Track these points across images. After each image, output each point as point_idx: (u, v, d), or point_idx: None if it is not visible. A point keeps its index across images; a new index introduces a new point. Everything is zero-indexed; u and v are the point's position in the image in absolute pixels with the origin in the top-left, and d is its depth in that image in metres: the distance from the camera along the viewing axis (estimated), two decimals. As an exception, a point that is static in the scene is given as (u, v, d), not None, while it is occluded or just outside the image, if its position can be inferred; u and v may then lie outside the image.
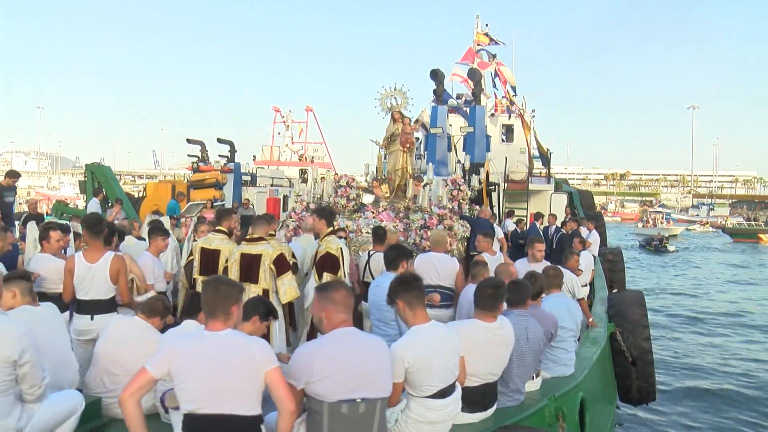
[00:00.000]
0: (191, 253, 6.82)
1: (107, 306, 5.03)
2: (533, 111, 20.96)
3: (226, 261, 6.21)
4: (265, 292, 6.03)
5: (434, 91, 17.53)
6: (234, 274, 5.85)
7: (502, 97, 21.98)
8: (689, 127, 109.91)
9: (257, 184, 25.30)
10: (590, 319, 7.40)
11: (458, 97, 21.08)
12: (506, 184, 18.05)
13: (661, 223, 55.18)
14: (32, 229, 7.26)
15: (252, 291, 5.80)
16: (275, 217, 10.10)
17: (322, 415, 2.99)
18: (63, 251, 6.28)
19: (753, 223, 53.12)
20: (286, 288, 6.05)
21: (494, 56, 21.30)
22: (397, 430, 3.42)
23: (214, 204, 19.35)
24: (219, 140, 26.09)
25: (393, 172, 11.24)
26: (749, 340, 14.63)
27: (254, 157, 32.31)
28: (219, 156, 25.97)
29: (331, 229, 6.68)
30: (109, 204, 21.56)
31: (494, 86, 21.97)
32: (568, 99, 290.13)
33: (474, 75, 18.00)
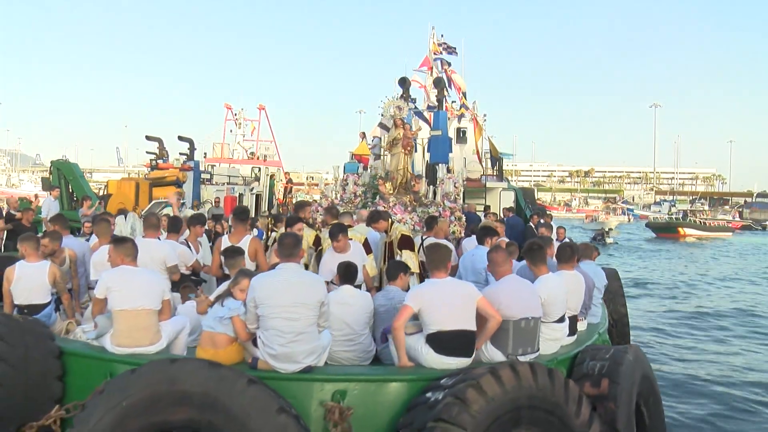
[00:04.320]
0: (275, 240, 8.23)
1: None
2: (485, 115, 23.17)
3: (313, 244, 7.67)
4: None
5: (402, 96, 19.30)
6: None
7: (452, 101, 24.11)
8: (651, 125, 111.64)
9: (213, 182, 25.92)
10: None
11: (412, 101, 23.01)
12: (465, 182, 20.19)
13: (600, 217, 61.46)
14: (121, 223, 8.39)
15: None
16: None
17: (507, 330, 4.66)
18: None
19: (674, 217, 56.81)
20: (369, 267, 7.60)
21: (449, 64, 23.33)
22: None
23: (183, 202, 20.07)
24: (180, 138, 26.44)
25: (395, 171, 12.87)
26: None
27: (205, 154, 32.61)
28: (179, 154, 26.34)
29: (391, 220, 8.37)
30: (74, 200, 21.72)
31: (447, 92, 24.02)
32: (534, 97, 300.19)
33: (438, 83, 19.92)
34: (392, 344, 4.80)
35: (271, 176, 30.25)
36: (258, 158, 31.78)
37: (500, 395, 3.91)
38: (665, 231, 53.30)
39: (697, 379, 10.19)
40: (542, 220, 14.06)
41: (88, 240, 7.34)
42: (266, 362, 4.29)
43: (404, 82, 19.16)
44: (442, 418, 3.74)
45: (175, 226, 6.97)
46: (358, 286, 6.78)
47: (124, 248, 4.89)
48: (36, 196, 24.79)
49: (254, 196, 27.85)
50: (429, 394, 4.04)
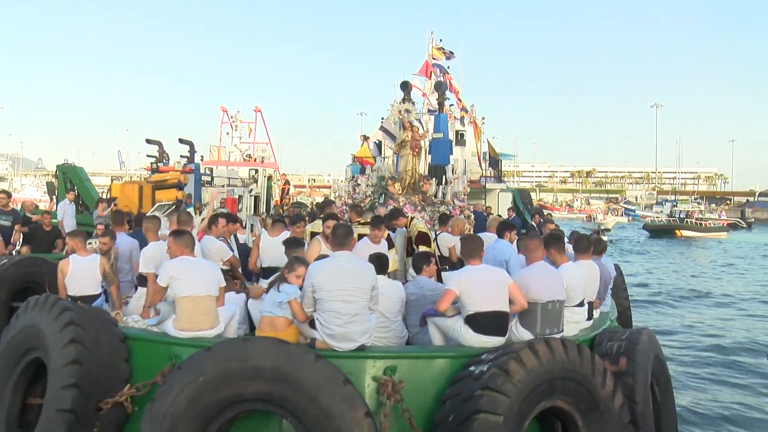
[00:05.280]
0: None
1: None
2: (483, 118, 23.71)
3: None
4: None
5: (404, 99, 19.79)
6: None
7: (450, 105, 24.66)
8: (653, 125, 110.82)
9: (214, 185, 26.21)
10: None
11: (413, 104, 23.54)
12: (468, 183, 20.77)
13: (597, 217, 62.95)
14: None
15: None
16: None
17: (536, 312, 5.16)
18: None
19: (670, 220, 56.71)
20: (391, 261, 8.07)
21: (448, 68, 23.88)
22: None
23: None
24: (180, 140, 26.73)
25: (404, 172, 13.36)
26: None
27: (202, 157, 32.88)
28: (180, 156, 26.64)
29: (411, 217, 8.85)
30: (81, 203, 21.97)
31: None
32: (534, 97, 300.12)
33: (440, 87, 20.45)
34: (431, 327, 5.28)
35: (269, 178, 30.64)
36: (255, 160, 32.15)
37: (537, 367, 4.41)
38: (662, 234, 52.96)
39: (695, 367, 10.77)
40: (543, 219, 14.65)
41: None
42: (324, 342, 4.74)
43: (406, 86, 19.68)
44: (489, 387, 4.22)
45: (211, 223, 7.40)
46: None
47: (183, 240, 5.32)
48: (51, 199, 25.02)
49: (253, 197, 28.25)
50: (473, 368, 4.52)
